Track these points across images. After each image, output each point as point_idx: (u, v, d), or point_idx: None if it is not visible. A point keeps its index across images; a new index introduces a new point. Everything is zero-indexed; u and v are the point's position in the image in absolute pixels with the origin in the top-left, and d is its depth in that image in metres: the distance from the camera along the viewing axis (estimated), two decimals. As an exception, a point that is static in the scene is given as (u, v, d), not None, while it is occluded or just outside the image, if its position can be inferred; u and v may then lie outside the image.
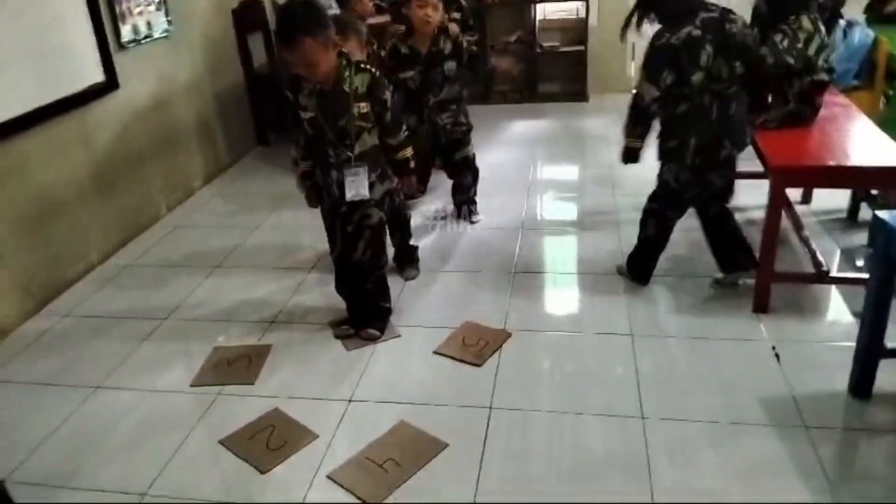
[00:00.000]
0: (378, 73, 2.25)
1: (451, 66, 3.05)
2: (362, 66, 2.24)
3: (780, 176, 2.34)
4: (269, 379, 2.31)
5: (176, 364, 2.42)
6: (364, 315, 2.50)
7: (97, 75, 3.12)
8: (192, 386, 2.30)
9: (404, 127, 2.38)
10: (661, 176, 2.53)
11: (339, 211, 2.34)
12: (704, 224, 2.64)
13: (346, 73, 2.19)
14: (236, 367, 2.36)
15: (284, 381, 2.28)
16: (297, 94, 2.23)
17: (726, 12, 2.32)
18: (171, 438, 2.06)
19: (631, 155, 2.53)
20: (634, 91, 2.43)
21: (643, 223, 2.64)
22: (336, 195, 2.31)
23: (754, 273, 2.52)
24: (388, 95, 2.26)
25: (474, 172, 3.37)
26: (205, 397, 2.24)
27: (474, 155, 3.33)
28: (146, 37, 3.44)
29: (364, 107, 2.22)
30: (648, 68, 2.34)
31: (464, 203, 3.39)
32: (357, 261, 2.39)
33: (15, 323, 2.71)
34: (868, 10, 3.95)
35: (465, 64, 3.08)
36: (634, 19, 2.39)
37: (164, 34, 3.59)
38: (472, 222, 3.35)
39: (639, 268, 2.71)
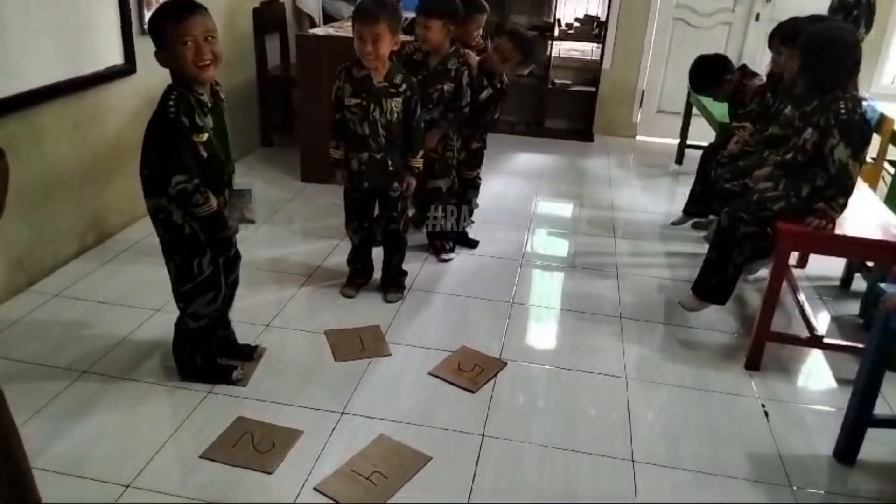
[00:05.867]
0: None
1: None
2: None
3: (787, 239, 2.43)
4: (261, 383, 2.31)
5: (166, 358, 2.40)
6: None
7: (117, 57, 3.14)
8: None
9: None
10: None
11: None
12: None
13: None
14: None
15: (275, 387, 2.29)
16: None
17: None
18: (155, 437, 2.06)
19: None
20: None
21: (740, 246, 2.62)
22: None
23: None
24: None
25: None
26: (194, 394, 2.23)
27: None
28: (168, 25, 3.46)
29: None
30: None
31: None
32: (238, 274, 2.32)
33: (3, 297, 2.68)
34: None
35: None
36: None
37: (186, 25, 3.61)
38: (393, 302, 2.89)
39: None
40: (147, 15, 3.28)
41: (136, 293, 2.79)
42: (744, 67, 3.54)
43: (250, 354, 2.40)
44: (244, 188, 2.15)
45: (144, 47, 3.27)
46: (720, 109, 3.92)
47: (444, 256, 3.28)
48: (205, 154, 1.98)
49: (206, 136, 1.96)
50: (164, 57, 1.93)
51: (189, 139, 1.93)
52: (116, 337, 2.50)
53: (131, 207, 3.40)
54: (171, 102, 1.91)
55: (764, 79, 3.43)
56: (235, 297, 2.35)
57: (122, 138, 3.27)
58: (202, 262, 2.10)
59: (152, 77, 3.37)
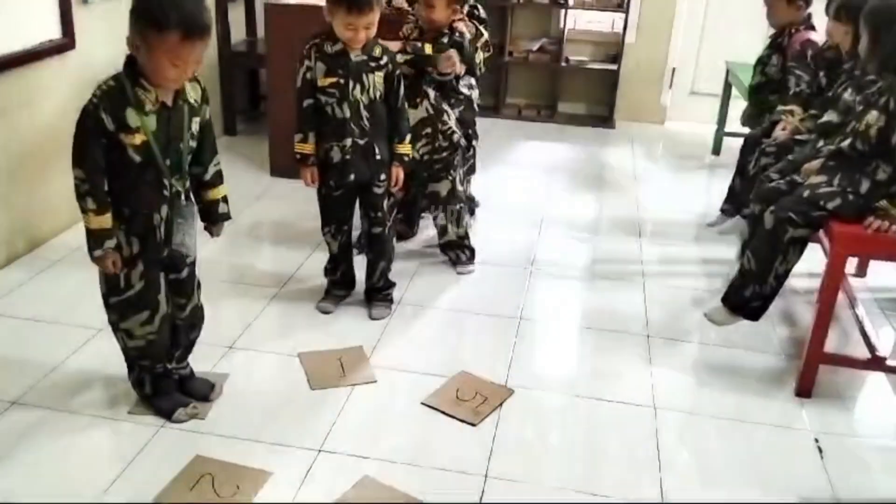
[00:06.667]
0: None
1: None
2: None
3: (843, 242, 2.44)
4: (223, 416, 2.31)
5: (111, 386, 2.40)
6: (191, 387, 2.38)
7: (53, 31, 3.15)
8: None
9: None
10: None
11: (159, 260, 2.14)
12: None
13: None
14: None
15: (240, 420, 2.29)
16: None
17: None
18: (99, 479, 2.05)
19: None
20: None
21: (786, 253, 2.61)
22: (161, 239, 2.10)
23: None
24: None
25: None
26: (145, 429, 2.23)
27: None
28: (113, -8, 3.48)
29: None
30: None
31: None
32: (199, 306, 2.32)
33: (-84, 314, 2.68)
34: None
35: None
36: None
37: (135, -8, 3.62)
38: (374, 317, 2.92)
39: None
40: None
41: (76, 309, 2.78)
42: (810, 16, 3.59)
43: (205, 395, 2.36)
44: (190, 209, 2.13)
45: (85, 19, 3.30)
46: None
47: (461, 270, 3.28)
48: (137, 158, 1.96)
49: (137, 138, 1.94)
50: (136, 48, 1.90)
51: (115, 139, 1.92)
52: (52, 361, 2.50)
53: (69, 207, 3.37)
54: (96, 92, 1.92)
55: (813, 37, 3.47)
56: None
57: (59, 126, 3.26)
58: (131, 275, 2.09)
59: (94, 53, 3.39)
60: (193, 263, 2.25)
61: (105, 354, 2.52)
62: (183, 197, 2.09)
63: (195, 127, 2.08)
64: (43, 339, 2.62)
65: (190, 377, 2.38)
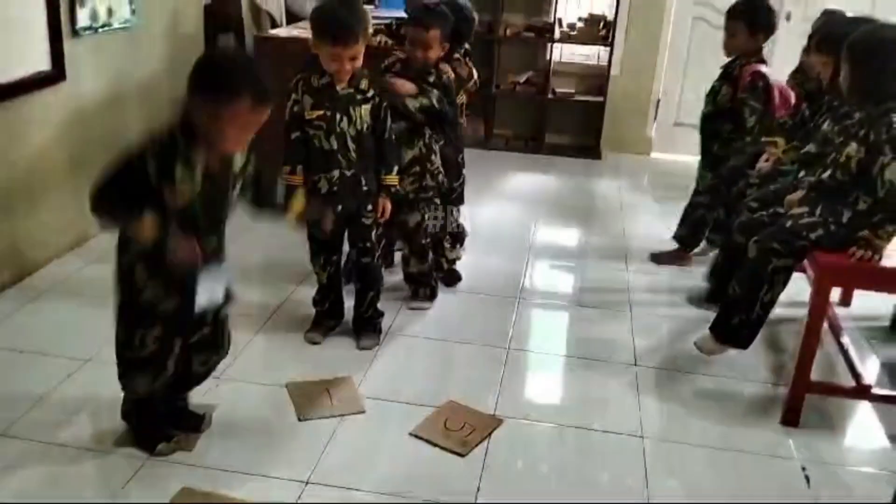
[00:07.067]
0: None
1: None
2: None
3: (826, 272, 2.48)
4: (210, 447, 2.29)
5: (97, 418, 2.39)
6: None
7: (43, 63, 3.16)
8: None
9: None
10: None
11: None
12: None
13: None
14: None
15: (227, 452, 2.28)
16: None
17: None
18: (86, 507, 2.03)
19: None
20: None
21: (770, 282, 2.64)
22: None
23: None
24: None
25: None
26: (131, 461, 2.21)
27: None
28: (104, 25, 3.51)
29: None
30: None
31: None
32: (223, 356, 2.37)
33: None
34: None
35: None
36: None
37: (125, 24, 3.66)
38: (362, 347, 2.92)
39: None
40: (81, 13, 3.34)
41: (62, 340, 2.77)
42: (762, 49, 3.57)
43: (197, 425, 2.35)
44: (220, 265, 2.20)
45: (76, 51, 3.33)
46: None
47: (414, 304, 3.23)
48: (178, 203, 1.96)
49: (180, 198, 1.95)
50: (198, 115, 1.92)
51: (156, 193, 1.93)
52: (39, 392, 2.48)
53: (57, 238, 3.40)
54: (148, 145, 1.94)
55: (764, 69, 3.45)
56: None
57: (48, 156, 3.28)
58: (146, 336, 2.09)
59: (84, 85, 3.41)
60: (223, 319, 2.28)
61: (92, 386, 2.51)
62: (216, 254, 2.14)
63: (235, 193, 2.13)
64: (29, 371, 2.61)
65: (184, 408, 2.37)
